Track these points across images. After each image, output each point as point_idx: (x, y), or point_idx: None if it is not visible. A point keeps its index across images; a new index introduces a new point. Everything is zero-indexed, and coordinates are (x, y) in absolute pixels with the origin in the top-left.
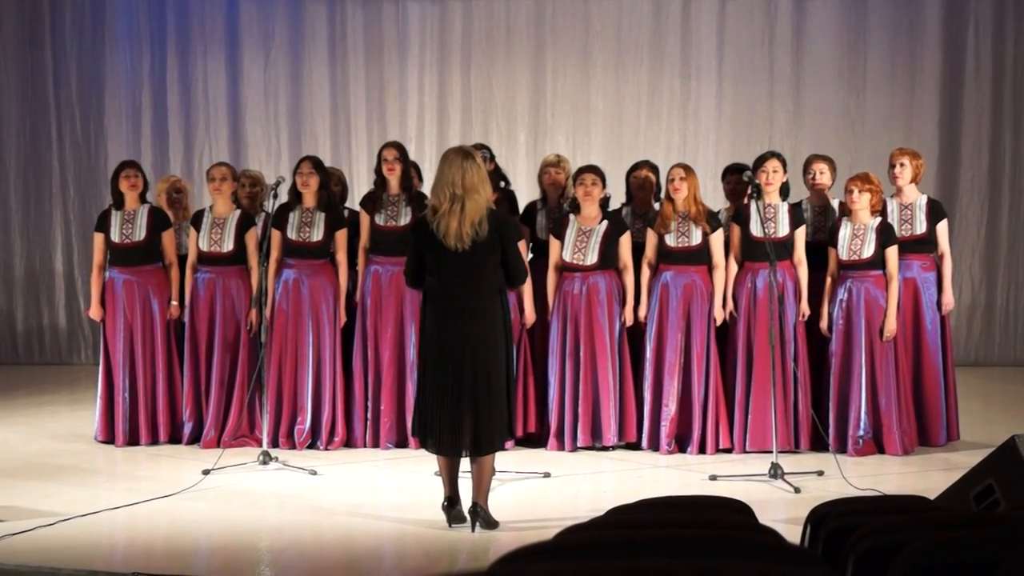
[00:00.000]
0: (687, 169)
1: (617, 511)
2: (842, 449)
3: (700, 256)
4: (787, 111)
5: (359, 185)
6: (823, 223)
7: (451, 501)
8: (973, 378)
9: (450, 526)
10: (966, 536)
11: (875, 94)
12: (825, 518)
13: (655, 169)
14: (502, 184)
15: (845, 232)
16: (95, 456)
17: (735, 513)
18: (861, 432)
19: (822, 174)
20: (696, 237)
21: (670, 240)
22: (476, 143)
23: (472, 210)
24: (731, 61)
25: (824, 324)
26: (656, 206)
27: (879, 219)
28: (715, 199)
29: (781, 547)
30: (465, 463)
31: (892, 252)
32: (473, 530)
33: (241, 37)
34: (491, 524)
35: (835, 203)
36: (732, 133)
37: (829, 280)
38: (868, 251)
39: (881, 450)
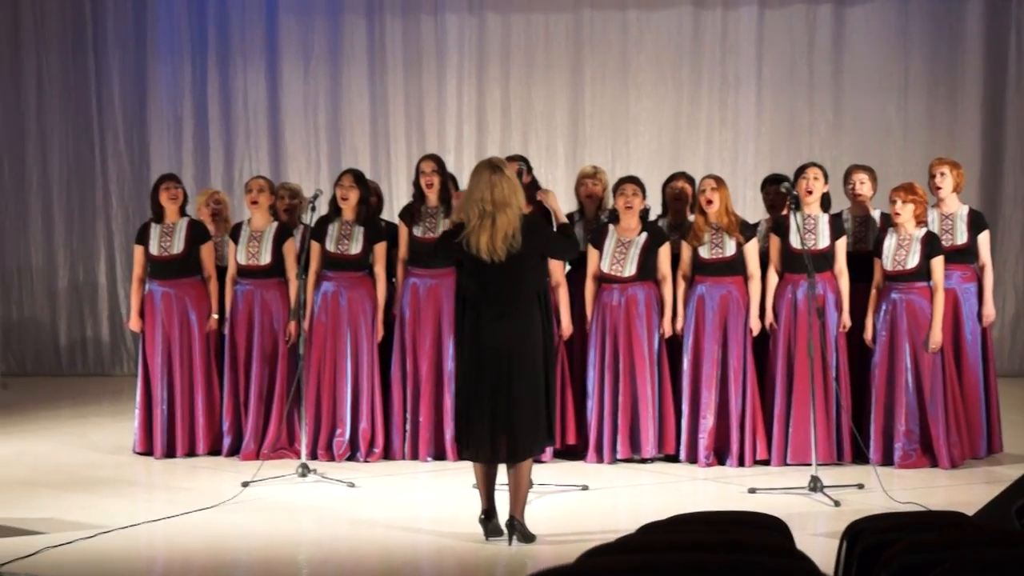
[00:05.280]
0: (718, 181)
1: (648, 528)
2: (888, 461)
3: (735, 267)
4: (827, 120)
5: (398, 196)
6: (863, 234)
7: (488, 514)
8: (1018, 389)
9: (487, 539)
10: (999, 556)
11: (916, 102)
12: (861, 534)
13: (691, 180)
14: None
15: (890, 243)
16: (135, 468)
17: (770, 532)
18: (907, 444)
19: (862, 184)
20: (730, 248)
21: (704, 252)
22: (514, 155)
23: (503, 224)
24: (770, 70)
25: (868, 335)
26: (691, 218)
27: (924, 230)
28: (755, 209)
29: None
30: (502, 476)
31: (937, 263)
32: (510, 543)
33: (281, 49)
34: (528, 538)
35: (876, 213)
36: (772, 143)
37: (874, 291)
38: (912, 262)
39: (932, 463)
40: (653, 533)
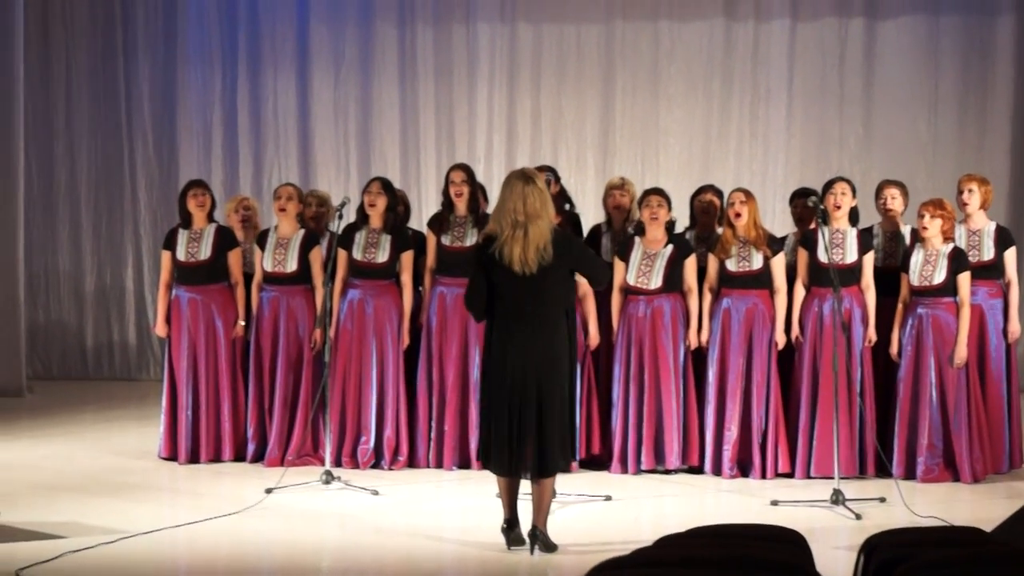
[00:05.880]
0: (747, 194)
1: (665, 540)
2: (910, 475)
3: (762, 280)
4: (857, 134)
5: (427, 205)
6: (893, 249)
7: (510, 524)
8: None
9: (509, 549)
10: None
11: (946, 117)
12: (876, 549)
13: (719, 193)
14: (567, 207)
15: (917, 258)
16: (159, 473)
17: (787, 547)
18: (930, 459)
19: (893, 199)
20: (757, 261)
21: (731, 265)
22: (543, 165)
23: (535, 235)
24: (801, 83)
25: (894, 350)
26: (719, 231)
27: (951, 245)
28: (784, 222)
29: None
30: (526, 486)
31: (964, 279)
32: (532, 553)
33: (311, 57)
34: (550, 547)
35: (907, 229)
36: (802, 156)
37: (900, 306)
38: (939, 277)
39: (955, 477)
40: (669, 546)
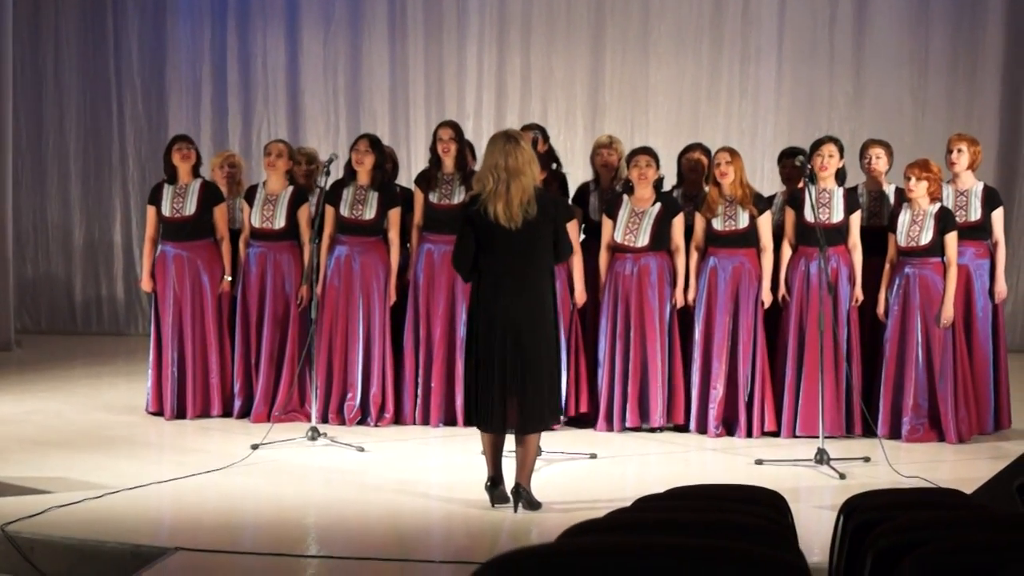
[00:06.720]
0: (732, 153)
1: (644, 501)
2: (896, 435)
3: (748, 239)
4: (847, 94)
5: (416, 162)
6: (878, 208)
7: (494, 481)
8: None
9: (493, 506)
10: (985, 537)
11: (937, 77)
12: (855, 511)
13: (707, 152)
14: (554, 166)
15: (904, 218)
16: (146, 429)
17: (767, 508)
18: (915, 419)
19: (878, 159)
20: (743, 220)
21: (717, 224)
22: (531, 123)
23: (518, 191)
24: (791, 42)
25: (881, 310)
26: (705, 189)
27: (938, 205)
28: (773, 181)
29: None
30: (510, 443)
31: (951, 239)
32: (516, 511)
33: (301, 13)
34: (534, 505)
35: (891, 188)
36: (791, 115)
37: (888, 266)
38: (926, 238)
39: (939, 437)
40: (646, 509)
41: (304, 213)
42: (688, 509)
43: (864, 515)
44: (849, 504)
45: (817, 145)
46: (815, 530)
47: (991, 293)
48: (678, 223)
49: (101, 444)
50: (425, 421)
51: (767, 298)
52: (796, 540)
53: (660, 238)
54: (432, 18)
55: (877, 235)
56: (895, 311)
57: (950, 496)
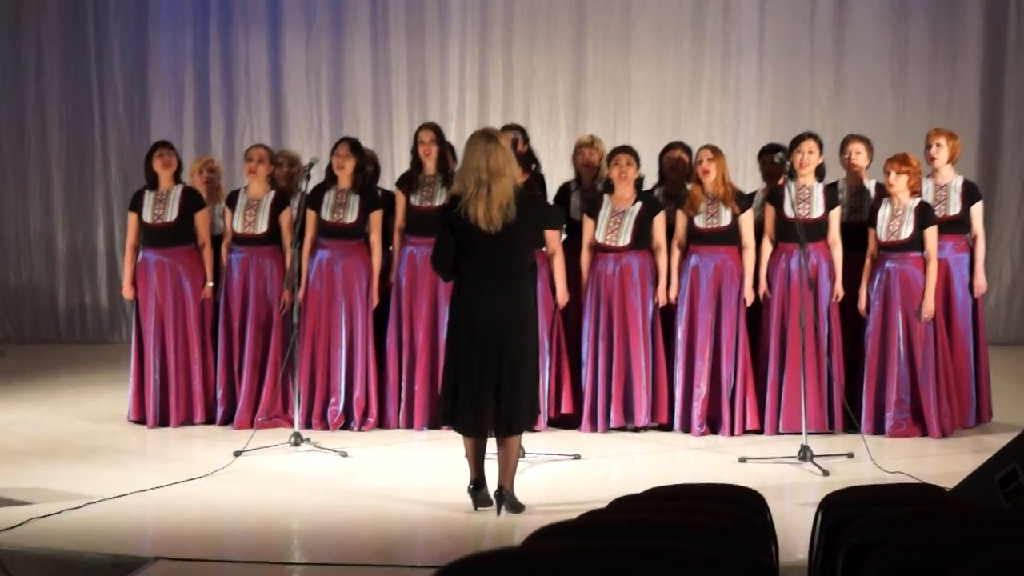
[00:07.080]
0: (715, 151)
1: (620, 503)
2: (879, 430)
3: (730, 237)
4: (828, 89)
5: (399, 164)
6: (859, 204)
7: (477, 484)
8: (1012, 358)
9: (476, 509)
10: (951, 533)
11: (916, 72)
12: (833, 506)
13: (688, 150)
14: (533, 167)
15: (884, 213)
16: (129, 437)
17: (743, 508)
18: (898, 413)
19: (858, 154)
20: (726, 218)
21: (699, 222)
22: (511, 123)
23: (499, 193)
24: (772, 38)
25: (862, 305)
26: (687, 187)
27: (917, 200)
28: (755, 178)
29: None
30: (492, 446)
31: (930, 233)
32: (499, 514)
33: (283, 16)
34: (517, 508)
35: (871, 184)
36: (773, 111)
37: (868, 261)
38: (906, 232)
39: (923, 432)
40: (621, 509)
41: (286, 217)
42: (663, 510)
43: (839, 512)
44: (827, 500)
45: (797, 141)
46: (798, 527)
47: (971, 287)
48: (659, 221)
49: (84, 454)
50: (409, 424)
51: (749, 296)
52: (773, 538)
53: (642, 237)
54: (414, 20)
55: (857, 230)
56: (876, 306)
57: (926, 491)
